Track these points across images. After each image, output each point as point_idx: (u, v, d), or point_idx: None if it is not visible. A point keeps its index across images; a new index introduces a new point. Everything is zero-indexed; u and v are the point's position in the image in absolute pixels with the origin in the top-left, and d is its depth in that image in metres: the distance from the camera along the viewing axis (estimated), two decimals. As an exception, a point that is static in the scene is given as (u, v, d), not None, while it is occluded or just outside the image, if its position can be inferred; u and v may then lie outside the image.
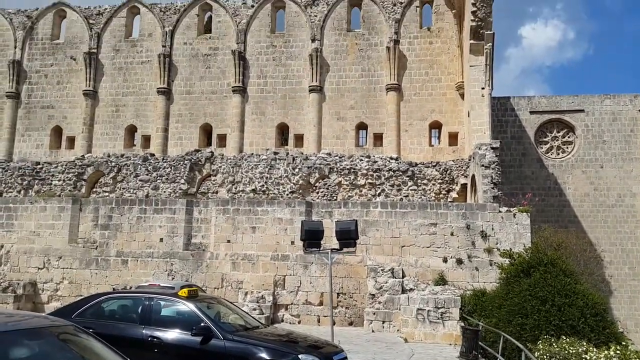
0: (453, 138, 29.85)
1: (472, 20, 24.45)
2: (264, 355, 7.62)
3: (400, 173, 23.02)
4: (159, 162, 24.22)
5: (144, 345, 8.12)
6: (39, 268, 20.57)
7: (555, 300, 13.16)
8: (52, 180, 24.27)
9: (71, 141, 33.30)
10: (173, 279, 18.96)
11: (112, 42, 34.04)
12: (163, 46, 33.07)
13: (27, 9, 35.77)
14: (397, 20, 31.16)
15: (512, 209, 19.06)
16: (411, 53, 31.03)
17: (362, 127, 31.36)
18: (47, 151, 33.14)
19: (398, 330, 16.80)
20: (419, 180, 23.21)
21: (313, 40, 31.88)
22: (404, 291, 17.48)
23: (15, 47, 34.75)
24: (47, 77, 34.29)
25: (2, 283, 20.25)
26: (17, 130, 33.83)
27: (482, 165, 20.63)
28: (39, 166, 25.09)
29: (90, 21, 34.21)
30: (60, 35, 35.36)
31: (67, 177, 24.04)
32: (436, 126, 30.51)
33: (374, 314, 17.45)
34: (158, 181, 23.72)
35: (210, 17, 34.33)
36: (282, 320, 18.63)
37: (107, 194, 24.31)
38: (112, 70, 33.64)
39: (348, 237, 12.27)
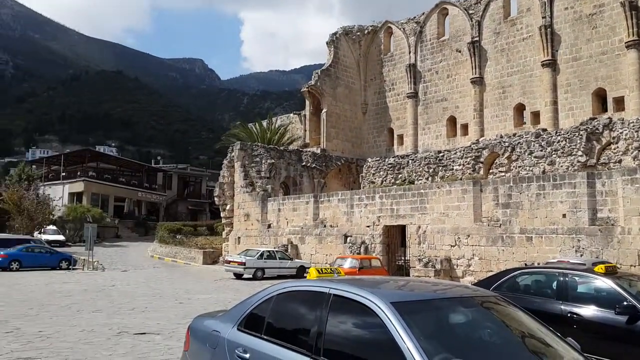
0: None
1: None
2: None
3: None
4: (552, 137, 23.69)
5: (562, 321, 8.03)
6: (451, 245, 22.92)
7: None
8: (452, 166, 26.75)
9: (464, 128, 35.83)
10: (582, 255, 18.23)
11: (491, 27, 34.94)
12: (543, 17, 32.00)
13: (415, 15, 40.18)
14: None
15: None
16: None
17: None
18: (444, 140, 36.59)
19: None
20: None
21: None
22: None
23: (409, 52, 39.57)
24: (437, 73, 37.78)
25: (423, 259, 23.46)
26: (419, 125, 38.50)
27: None
28: (440, 154, 28.07)
29: (470, 11, 35.92)
30: (445, 31, 38.41)
31: (465, 162, 26.10)
32: None
33: None
34: (553, 156, 23.20)
35: (593, -29, 31.33)
36: None
37: (503, 173, 25.23)
38: (495, 54, 34.54)
39: None
